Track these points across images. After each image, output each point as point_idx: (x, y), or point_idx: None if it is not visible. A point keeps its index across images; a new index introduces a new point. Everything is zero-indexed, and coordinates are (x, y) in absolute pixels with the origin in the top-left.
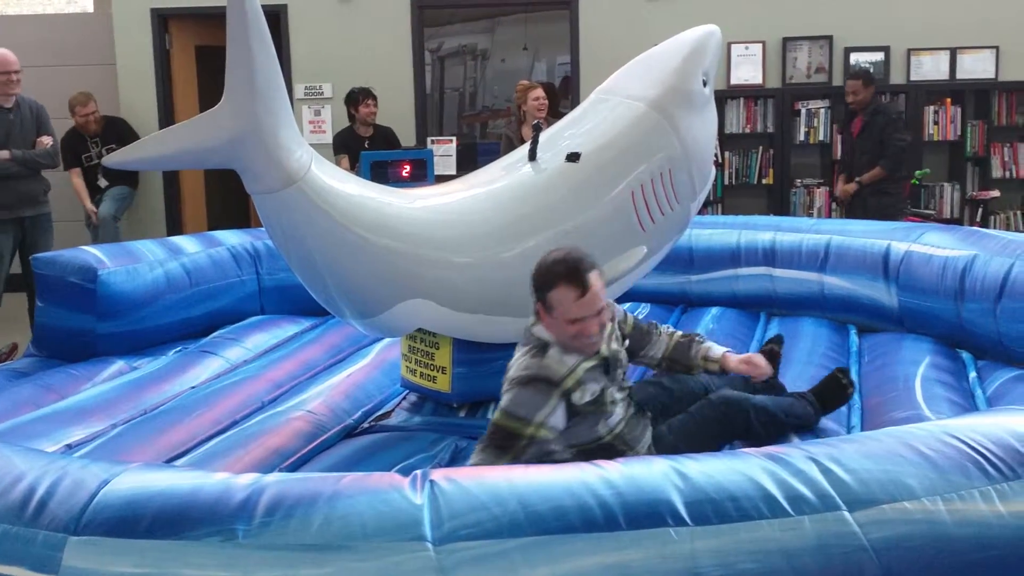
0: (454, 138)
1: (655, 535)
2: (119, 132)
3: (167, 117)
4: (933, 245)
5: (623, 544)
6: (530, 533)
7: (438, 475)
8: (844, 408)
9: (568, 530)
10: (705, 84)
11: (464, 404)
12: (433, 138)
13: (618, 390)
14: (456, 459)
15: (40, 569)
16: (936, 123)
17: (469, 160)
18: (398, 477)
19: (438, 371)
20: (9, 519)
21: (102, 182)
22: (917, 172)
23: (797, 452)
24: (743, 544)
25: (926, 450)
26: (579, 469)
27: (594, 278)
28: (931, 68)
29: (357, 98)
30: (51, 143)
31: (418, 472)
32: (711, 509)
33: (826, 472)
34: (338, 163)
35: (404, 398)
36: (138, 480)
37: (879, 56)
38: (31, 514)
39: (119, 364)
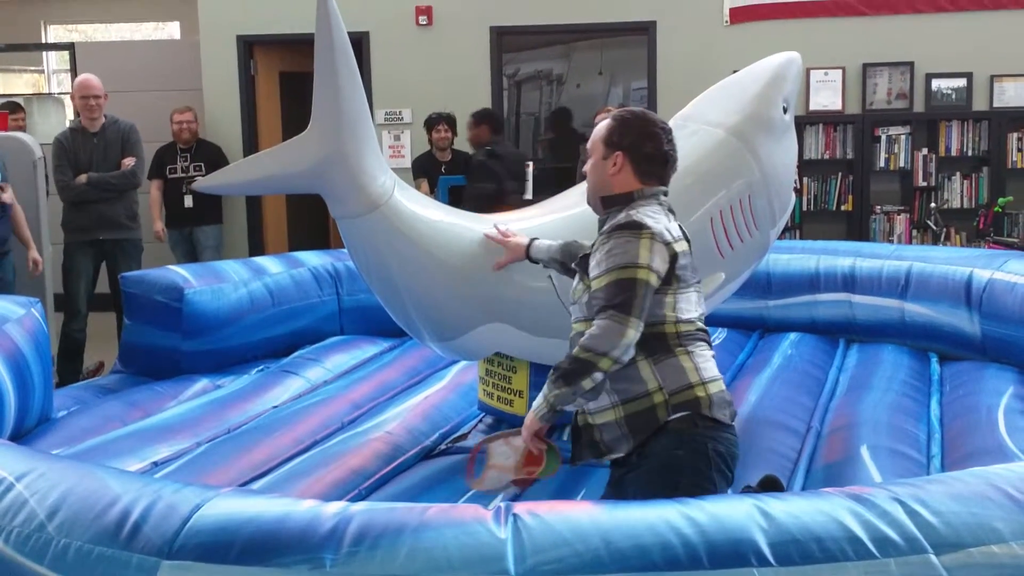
0: (531, 163)
1: (739, 575)
2: (210, 155)
3: (251, 142)
4: (1017, 273)
5: None
6: (612, 570)
7: (521, 509)
8: (923, 437)
9: (650, 568)
10: (785, 111)
11: None
12: None
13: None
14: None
15: None
16: (1020, 150)
17: (545, 184)
18: (482, 510)
19: (515, 395)
20: (104, 541)
21: (188, 201)
22: (1000, 200)
23: (882, 493)
24: None
25: (1014, 492)
26: (662, 507)
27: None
28: (1014, 95)
29: (433, 123)
30: (132, 164)
31: (501, 505)
32: (795, 550)
33: (912, 514)
34: (417, 187)
35: (480, 420)
36: (229, 506)
37: (961, 82)
38: (125, 537)
39: (203, 382)
